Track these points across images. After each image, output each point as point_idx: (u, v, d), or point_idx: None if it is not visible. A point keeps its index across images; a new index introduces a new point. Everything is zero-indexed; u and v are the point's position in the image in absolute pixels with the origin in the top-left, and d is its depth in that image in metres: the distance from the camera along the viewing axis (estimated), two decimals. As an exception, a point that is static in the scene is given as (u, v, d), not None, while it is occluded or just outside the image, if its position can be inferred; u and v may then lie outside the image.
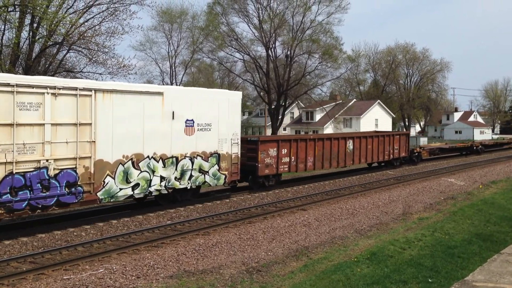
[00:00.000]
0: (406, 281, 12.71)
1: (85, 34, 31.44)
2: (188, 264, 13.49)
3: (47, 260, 13.26)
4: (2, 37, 29.57)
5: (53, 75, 31.25)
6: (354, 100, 75.02)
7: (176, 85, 48.37)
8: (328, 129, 66.00)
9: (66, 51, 31.95)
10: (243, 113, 78.44)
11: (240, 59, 53.02)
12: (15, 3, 26.82)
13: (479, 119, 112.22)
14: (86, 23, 31.53)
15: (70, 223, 17.17)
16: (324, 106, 61.00)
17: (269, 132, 58.77)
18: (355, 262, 14.03)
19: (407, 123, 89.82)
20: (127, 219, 18.26)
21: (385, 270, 13.56)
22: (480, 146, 50.22)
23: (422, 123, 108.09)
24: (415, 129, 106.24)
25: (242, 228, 17.34)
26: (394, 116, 77.45)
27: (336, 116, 65.24)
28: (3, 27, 29.10)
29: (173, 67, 50.50)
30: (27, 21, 29.28)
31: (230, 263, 13.70)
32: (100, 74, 32.84)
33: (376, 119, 70.71)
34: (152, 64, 63.41)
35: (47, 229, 16.42)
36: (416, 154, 39.32)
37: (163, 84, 51.16)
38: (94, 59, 32.24)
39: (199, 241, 15.52)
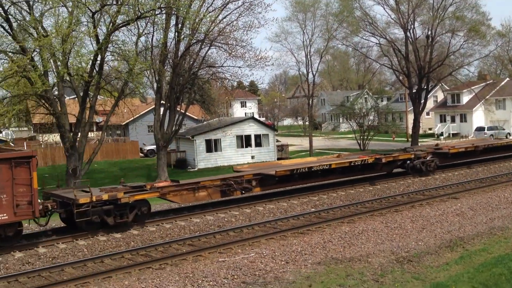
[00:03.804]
0: None
1: (224, 30, 32.80)
2: (335, 252, 13.42)
3: (203, 243, 14.17)
4: (152, 38, 32.09)
5: (197, 71, 33.22)
6: (507, 79, 68.34)
7: (312, 74, 48.40)
8: (478, 112, 61.12)
9: (207, 47, 33.66)
10: (381, 99, 75.91)
11: (376, 43, 51.26)
12: (161, 6, 28.86)
13: None
14: (224, 20, 32.86)
15: (220, 210, 18.14)
16: (472, 88, 56.57)
17: (410, 117, 56.23)
18: (520, 255, 12.77)
19: None
20: (272, 206, 18.77)
21: (557, 264, 12.14)
22: None
23: None
24: None
25: (389, 217, 16.79)
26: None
27: (487, 97, 60.10)
28: (152, 29, 31.57)
29: (309, 56, 50.51)
30: (172, 22, 31.36)
31: (378, 252, 13.35)
32: (240, 67, 34.08)
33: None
34: (288, 54, 64.27)
35: (200, 214, 17.55)
36: None
37: (299, 74, 51.52)
38: (233, 53, 33.50)
39: (345, 229, 15.36)
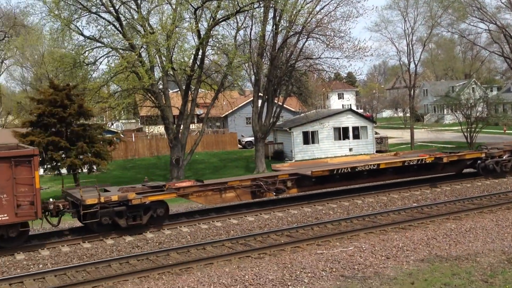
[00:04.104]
0: None
1: (322, 21, 32.43)
2: (440, 249, 12.77)
3: (301, 235, 14.19)
4: (250, 32, 32.62)
5: (294, 64, 33.21)
6: None
7: (414, 63, 46.34)
8: None
9: (305, 39, 33.50)
10: (491, 89, 70.91)
11: (485, 29, 47.89)
12: (259, -1, 29.14)
13: None
14: (322, 10, 32.49)
15: (318, 202, 18.06)
16: None
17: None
18: None
19: None
20: (371, 200, 18.33)
21: None
22: None
23: None
24: None
25: (500, 214, 15.66)
26: None
27: None
28: (250, 22, 32.07)
29: (410, 45, 48.43)
30: (270, 15, 31.59)
31: (488, 251, 12.50)
32: (337, 58, 33.56)
33: None
34: (388, 44, 62.10)
35: (298, 206, 17.61)
36: None
37: (400, 64, 49.60)
38: (331, 44, 33.04)
39: (450, 226, 14.57)
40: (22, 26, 53.15)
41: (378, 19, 63.09)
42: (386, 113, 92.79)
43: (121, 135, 34.10)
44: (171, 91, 31.84)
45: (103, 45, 27.34)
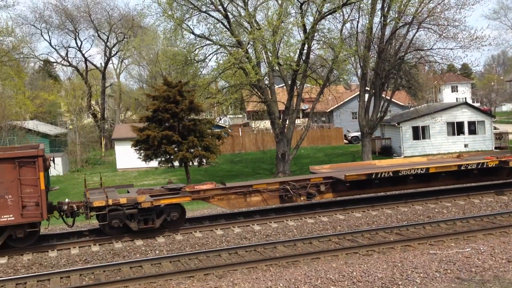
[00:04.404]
0: None
1: (434, 10, 30.76)
2: None
3: (411, 233, 13.60)
4: (357, 24, 31.85)
5: (403, 56, 31.89)
6: None
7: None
8: None
9: (415, 30, 32.02)
10: None
11: None
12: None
13: None
14: (434, -1, 30.81)
15: (430, 200, 17.22)
16: None
17: None
18: None
19: None
20: (490, 199, 17.09)
21: None
22: None
23: None
24: None
25: None
26: None
27: None
28: (357, 15, 31.31)
29: (534, 32, 44.41)
30: (378, 6, 30.59)
31: None
32: (451, 49, 31.67)
33: None
34: (508, 32, 57.47)
35: (408, 204, 16.91)
36: None
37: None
38: (444, 34, 31.24)
39: None
40: (139, 28, 56.94)
41: (497, 6, 58.61)
42: (506, 107, 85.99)
43: (228, 129, 35.15)
44: (277, 86, 32.19)
45: (212, 42, 28.34)
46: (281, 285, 10.32)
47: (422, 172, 16.58)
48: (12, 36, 41.21)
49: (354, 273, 10.74)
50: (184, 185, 15.57)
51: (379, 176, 16.15)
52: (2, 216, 12.87)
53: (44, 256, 13.23)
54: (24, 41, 48.69)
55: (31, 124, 44.53)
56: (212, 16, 27.90)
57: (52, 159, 14.86)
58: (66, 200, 14.81)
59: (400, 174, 16.34)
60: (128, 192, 15.54)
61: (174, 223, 14.85)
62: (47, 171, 14.36)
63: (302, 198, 16.00)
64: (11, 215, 12.89)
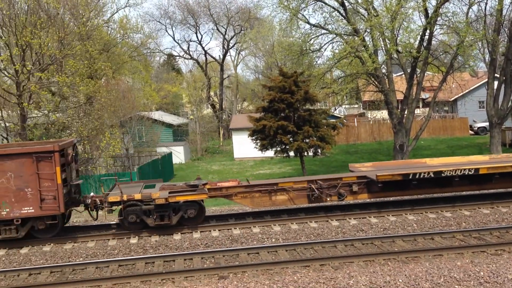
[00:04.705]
0: None
1: None
2: None
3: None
4: (485, 6, 29.51)
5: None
6: None
7: None
8: None
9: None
10: None
11: None
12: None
13: None
14: None
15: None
16: None
17: None
18: None
19: None
20: None
21: None
22: None
23: None
24: None
25: None
26: None
27: None
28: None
29: None
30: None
31: None
32: None
33: None
34: None
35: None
36: None
37: None
38: None
39: None
40: (255, 19, 58.20)
41: None
42: None
43: (343, 120, 34.62)
44: (395, 75, 30.97)
45: (327, 31, 27.98)
46: (400, 280, 9.97)
47: (470, 173, 14.94)
48: (140, 33, 44.31)
49: (481, 273, 10.04)
50: (206, 182, 15.30)
51: (418, 177, 14.83)
52: (23, 208, 13.68)
53: (170, 239, 14.12)
54: (151, 37, 52.19)
55: (156, 115, 47.77)
56: (328, 5, 27.53)
57: (74, 154, 15.37)
58: (91, 194, 15.23)
59: (443, 175, 14.87)
60: (154, 186, 15.56)
61: (192, 220, 14.74)
62: (69, 166, 14.88)
63: (331, 199, 15.25)
64: (31, 208, 13.60)
